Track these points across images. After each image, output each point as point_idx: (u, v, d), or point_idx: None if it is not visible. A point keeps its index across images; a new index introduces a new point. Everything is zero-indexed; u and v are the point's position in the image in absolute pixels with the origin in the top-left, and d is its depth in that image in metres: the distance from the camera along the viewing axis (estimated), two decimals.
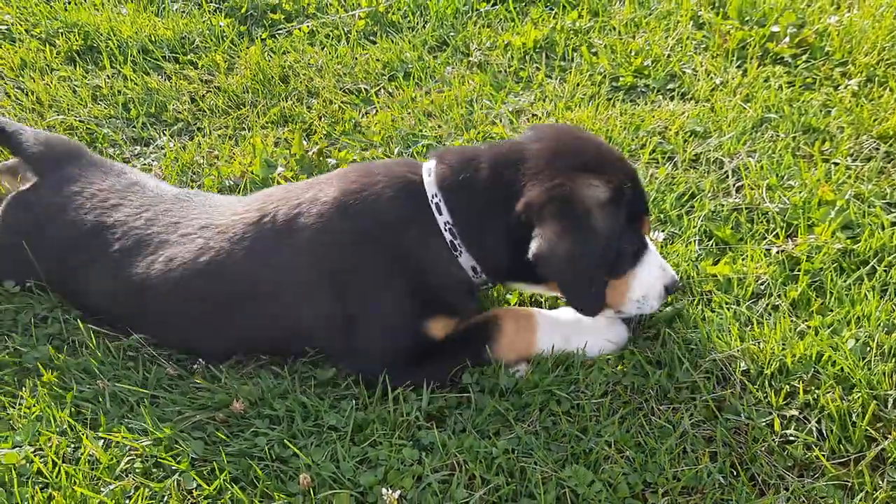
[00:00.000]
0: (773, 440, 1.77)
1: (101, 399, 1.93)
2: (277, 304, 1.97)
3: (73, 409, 1.90)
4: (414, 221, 1.91)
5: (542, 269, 1.81)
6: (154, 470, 1.77)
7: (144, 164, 2.79)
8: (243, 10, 3.64)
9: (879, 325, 1.98)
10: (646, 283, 1.95)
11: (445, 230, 1.89)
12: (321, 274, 1.92)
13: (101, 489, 1.70)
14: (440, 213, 1.89)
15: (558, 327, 1.96)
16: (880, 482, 1.68)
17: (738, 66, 3.06)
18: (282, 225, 1.96)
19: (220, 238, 2.00)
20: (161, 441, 1.81)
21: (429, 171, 1.94)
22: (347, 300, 1.91)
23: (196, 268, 1.99)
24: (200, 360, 2.04)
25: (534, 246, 1.78)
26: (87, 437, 1.80)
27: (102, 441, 1.81)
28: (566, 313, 2.00)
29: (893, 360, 1.89)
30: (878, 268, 2.15)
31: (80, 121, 2.97)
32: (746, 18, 3.30)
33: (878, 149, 2.60)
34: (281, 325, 1.99)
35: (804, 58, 3.07)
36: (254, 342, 2.05)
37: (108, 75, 3.23)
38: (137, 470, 1.76)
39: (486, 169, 1.90)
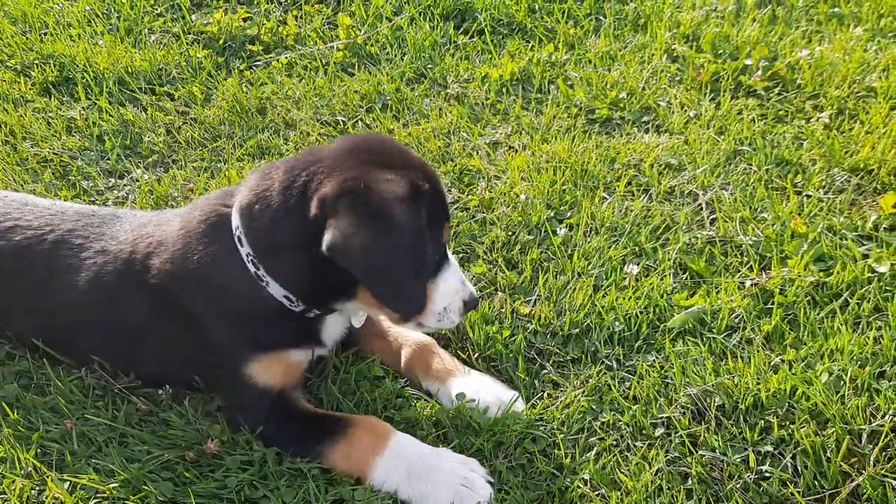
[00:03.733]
0: (749, 477, 1.76)
1: (68, 439, 1.89)
2: (149, 340, 1.98)
3: (38, 450, 1.86)
4: (217, 258, 1.83)
5: (341, 262, 1.66)
6: None
7: (118, 197, 2.76)
8: (221, 42, 3.64)
9: (852, 358, 1.99)
10: (447, 295, 1.84)
11: (248, 262, 1.79)
12: (163, 315, 1.91)
13: None
14: (242, 245, 1.79)
15: (407, 460, 1.75)
16: None
17: (712, 99, 3.10)
18: (139, 265, 1.93)
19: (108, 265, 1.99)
20: (129, 482, 1.77)
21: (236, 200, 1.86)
22: (188, 342, 1.91)
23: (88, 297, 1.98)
24: (167, 386, 2.01)
25: (327, 237, 1.64)
26: (51, 480, 1.76)
27: (68, 483, 1.77)
28: (426, 449, 1.78)
29: (866, 395, 1.90)
30: (850, 301, 2.17)
31: (53, 153, 2.95)
32: (720, 52, 3.35)
33: (849, 181, 2.63)
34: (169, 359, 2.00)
35: (776, 91, 3.12)
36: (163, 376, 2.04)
37: (83, 107, 3.21)
38: None
39: (278, 183, 1.76)
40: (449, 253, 1.89)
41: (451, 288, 1.85)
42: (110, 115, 3.15)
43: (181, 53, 3.54)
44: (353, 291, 1.79)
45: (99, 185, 2.83)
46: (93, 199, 2.75)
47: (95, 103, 3.23)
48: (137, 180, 2.83)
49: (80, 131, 3.10)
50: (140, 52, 3.55)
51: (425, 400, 1.98)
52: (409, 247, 1.68)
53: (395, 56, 3.49)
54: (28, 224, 2.09)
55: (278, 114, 3.15)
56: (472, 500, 1.68)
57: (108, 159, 2.95)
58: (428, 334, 2.10)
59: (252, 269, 1.79)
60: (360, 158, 1.73)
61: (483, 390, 1.94)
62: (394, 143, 1.88)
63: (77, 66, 3.42)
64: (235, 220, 1.81)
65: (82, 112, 3.17)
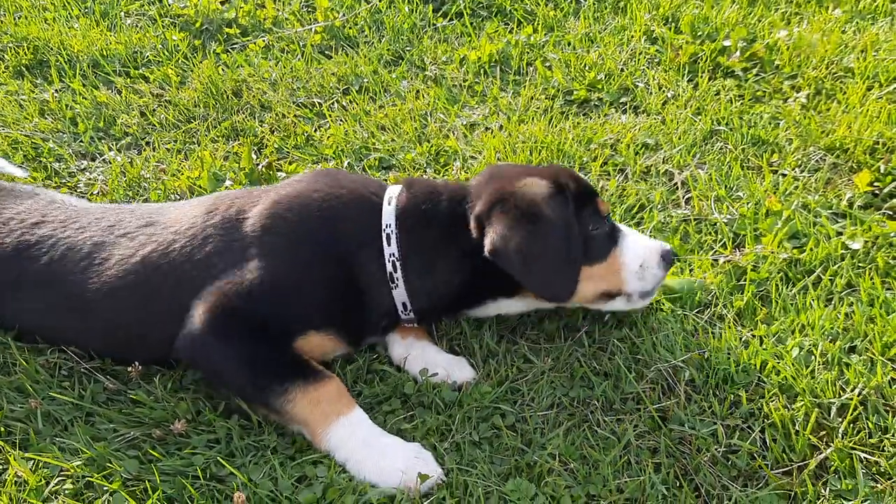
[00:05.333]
0: (717, 450, 1.76)
1: (33, 418, 1.87)
2: None
3: (2, 430, 1.83)
4: (360, 244, 1.91)
5: (501, 264, 1.80)
6: (85, 491, 1.71)
7: (90, 179, 2.73)
8: (198, 25, 3.60)
9: (823, 333, 1.99)
10: (638, 254, 1.96)
11: (388, 261, 1.89)
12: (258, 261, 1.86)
13: None
14: (388, 244, 1.89)
15: (366, 431, 1.73)
16: (823, 491, 1.68)
17: (690, 80, 3.09)
18: (238, 215, 1.94)
19: (165, 231, 1.97)
20: (93, 461, 1.75)
21: (390, 199, 1.95)
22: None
23: (139, 261, 1.94)
24: (136, 363, 1.98)
25: (487, 243, 1.81)
26: (14, 459, 1.74)
27: (31, 462, 1.74)
28: (382, 431, 1.76)
29: (836, 369, 1.90)
30: (822, 277, 2.16)
31: (25, 135, 2.91)
32: (698, 33, 3.34)
33: (824, 160, 2.63)
34: None
35: (754, 71, 3.11)
36: None
37: (56, 89, 3.18)
38: (67, 491, 1.70)
39: (438, 204, 1.94)
40: (622, 225, 2.02)
41: (638, 245, 1.98)
42: (84, 98, 3.12)
43: (157, 36, 3.51)
44: (511, 290, 1.94)
45: (71, 167, 2.80)
46: (64, 180, 2.72)
47: (69, 86, 3.20)
48: (110, 162, 2.80)
49: (52, 114, 3.06)
50: (115, 34, 3.51)
51: (395, 375, 1.97)
52: (561, 238, 1.82)
53: (374, 38, 3.47)
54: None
55: (254, 96, 3.12)
56: (424, 469, 1.67)
57: (81, 141, 2.92)
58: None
59: (389, 268, 1.89)
60: (501, 176, 1.94)
61: (440, 364, 1.95)
62: (522, 165, 2.14)
63: (51, 48, 3.39)
64: (388, 219, 1.91)
65: (55, 94, 3.14)
